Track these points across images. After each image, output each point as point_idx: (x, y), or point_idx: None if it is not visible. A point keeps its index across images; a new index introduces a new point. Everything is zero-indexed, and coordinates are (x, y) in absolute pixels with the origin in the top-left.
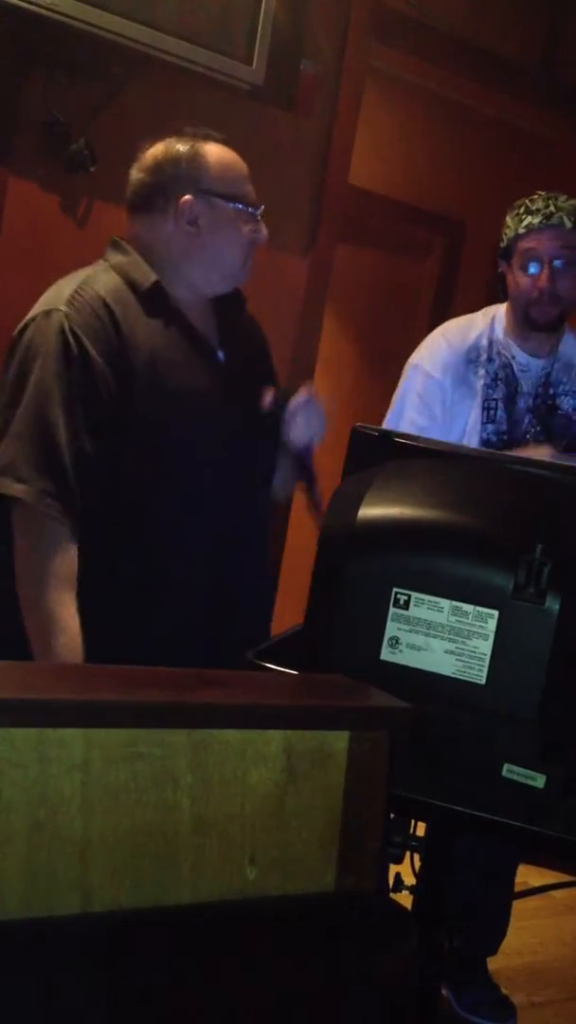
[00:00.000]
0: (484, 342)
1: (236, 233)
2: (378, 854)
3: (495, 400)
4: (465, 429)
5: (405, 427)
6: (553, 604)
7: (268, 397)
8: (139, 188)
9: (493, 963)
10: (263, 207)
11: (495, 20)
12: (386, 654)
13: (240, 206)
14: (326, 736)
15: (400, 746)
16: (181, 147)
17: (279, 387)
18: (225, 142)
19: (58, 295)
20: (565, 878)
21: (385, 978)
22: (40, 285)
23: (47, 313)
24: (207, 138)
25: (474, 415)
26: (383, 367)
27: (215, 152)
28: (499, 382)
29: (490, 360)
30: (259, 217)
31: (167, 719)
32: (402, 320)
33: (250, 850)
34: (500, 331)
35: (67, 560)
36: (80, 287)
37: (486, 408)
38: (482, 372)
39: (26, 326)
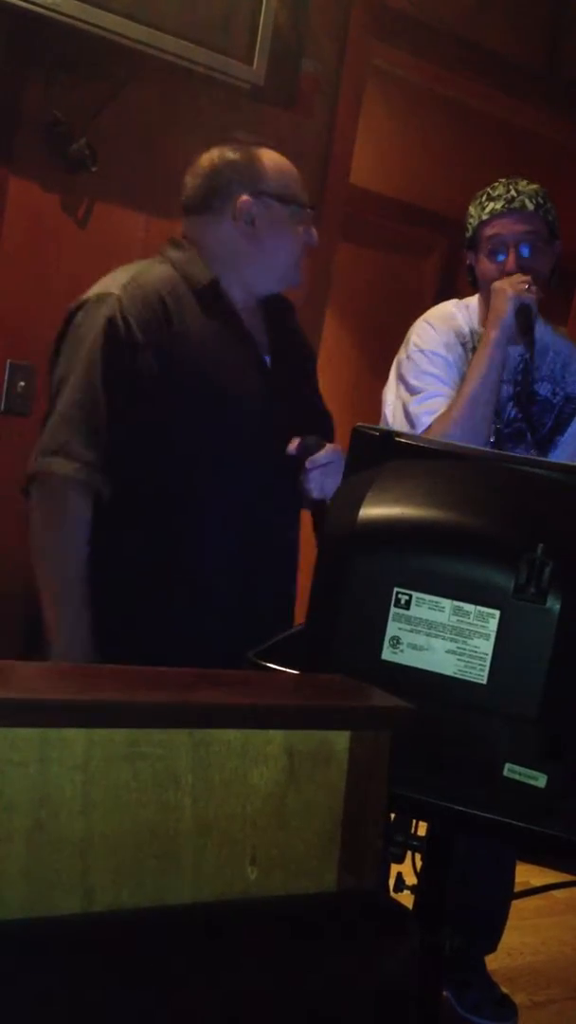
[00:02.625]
0: (467, 330)
1: (290, 233)
2: (379, 854)
3: None
4: None
5: (431, 408)
6: (554, 604)
7: (293, 444)
8: (195, 191)
9: (494, 963)
10: (313, 209)
11: (497, 19)
12: (387, 654)
13: (295, 207)
14: (327, 736)
15: (401, 746)
16: (236, 153)
17: (306, 436)
18: (274, 148)
19: (114, 281)
20: (566, 877)
21: (386, 978)
22: (41, 284)
23: (100, 297)
24: (259, 144)
25: None
26: (385, 367)
27: (269, 156)
28: None
29: (473, 350)
30: (310, 219)
31: (168, 719)
32: (404, 320)
33: (251, 850)
34: (476, 322)
35: (88, 534)
36: (136, 276)
37: None
38: (469, 359)
39: (79, 307)
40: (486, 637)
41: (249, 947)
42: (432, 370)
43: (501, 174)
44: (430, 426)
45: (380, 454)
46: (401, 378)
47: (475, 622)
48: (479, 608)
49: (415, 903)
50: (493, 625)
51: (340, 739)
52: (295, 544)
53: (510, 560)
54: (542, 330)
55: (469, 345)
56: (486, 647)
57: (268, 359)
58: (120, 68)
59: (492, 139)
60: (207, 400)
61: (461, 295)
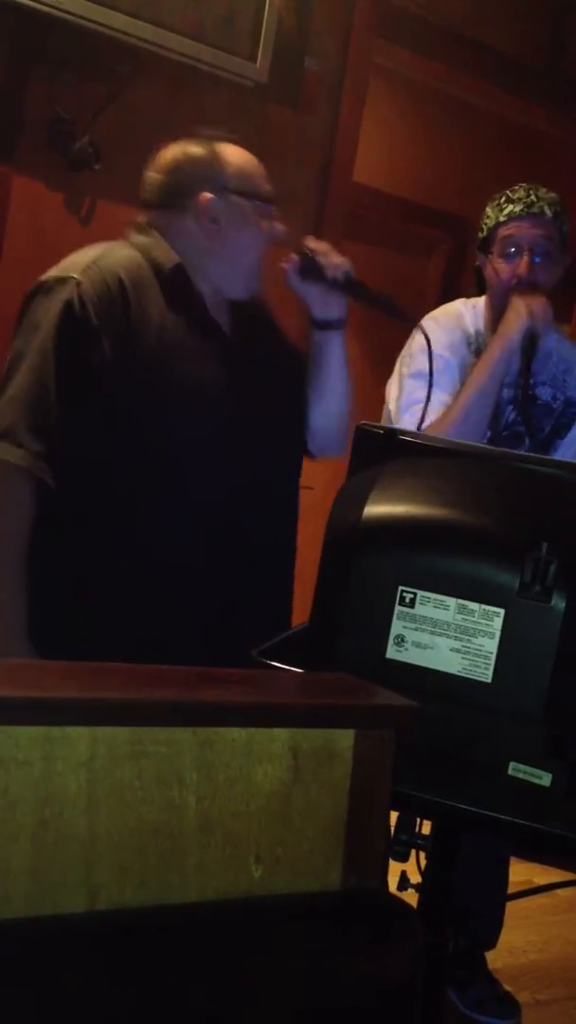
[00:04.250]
0: (473, 331)
1: (255, 229)
2: (384, 852)
3: None
4: None
5: (433, 411)
6: (559, 602)
7: (292, 265)
8: (157, 187)
9: (498, 961)
10: (276, 204)
11: (500, 17)
12: (392, 652)
13: (258, 202)
14: (332, 734)
15: (406, 744)
16: (198, 148)
17: (299, 248)
18: (238, 143)
19: (75, 263)
20: (570, 876)
21: (391, 977)
22: None
23: (61, 280)
24: (221, 139)
25: None
26: (387, 365)
27: (232, 151)
28: None
29: (476, 352)
30: (273, 214)
31: (172, 717)
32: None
33: (255, 848)
34: (482, 323)
35: (30, 521)
36: (98, 258)
37: None
38: (472, 361)
39: (39, 288)
40: (491, 636)
41: (253, 946)
42: (439, 370)
43: (504, 172)
44: (430, 424)
45: (383, 452)
46: (404, 376)
47: (480, 620)
48: (484, 606)
49: (419, 902)
50: (498, 623)
51: (344, 738)
52: (277, 540)
53: (515, 558)
54: (546, 334)
55: (474, 347)
56: (491, 646)
57: (233, 343)
58: (123, 66)
59: (495, 137)
60: (162, 387)
61: (464, 294)
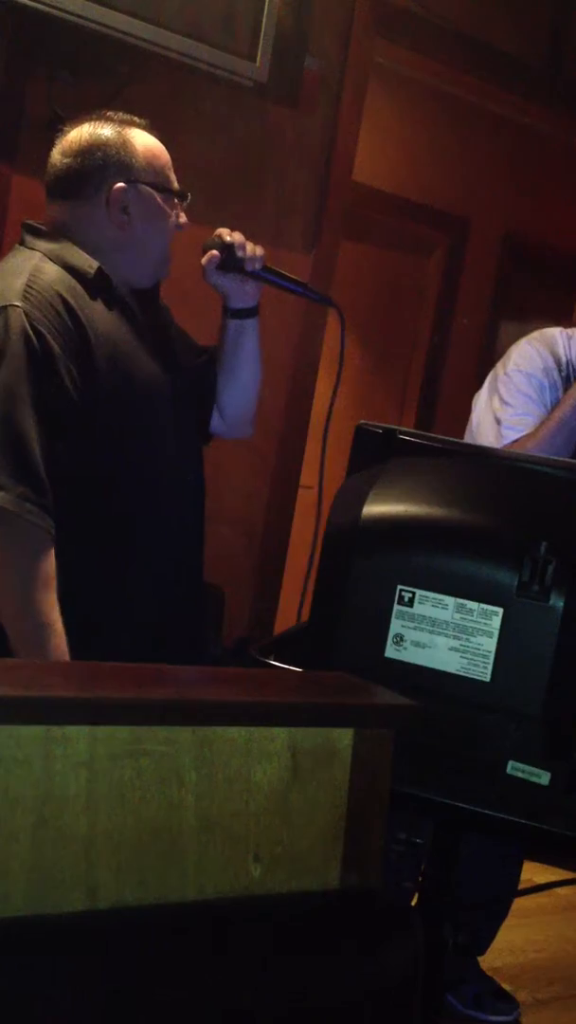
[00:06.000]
0: (564, 359)
1: (164, 221)
2: (382, 851)
3: None
4: None
5: (519, 425)
6: (558, 601)
7: (212, 259)
8: (64, 173)
9: (498, 960)
10: (189, 195)
11: (500, 16)
12: (391, 651)
13: (167, 194)
14: (331, 733)
15: (405, 743)
16: (107, 132)
17: (216, 243)
18: (148, 128)
19: (7, 289)
20: (570, 875)
21: (390, 975)
22: None
23: (2, 309)
24: (131, 124)
25: None
26: (387, 364)
27: (142, 139)
28: None
29: (567, 379)
30: (180, 204)
31: (172, 716)
32: (406, 317)
33: (255, 847)
34: (573, 353)
35: (50, 562)
36: (31, 279)
37: None
38: (562, 388)
39: None
40: (490, 635)
41: (252, 944)
42: (528, 391)
43: (503, 171)
44: (515, 441)
45: (383, 451)
46: (496, 391)
47: (478, 619)
48: (482, 605)
49: (418, 900)
50: (496, 622)
51: (343, 736)
52: (203, 524)
53: (514, 557)
54: None
55: (564, 374)
56: (489, 644)
57: (152, 339)
58: (123, 66)
59: (495, 136)
60: (124, 393)
61: (464, 293)
